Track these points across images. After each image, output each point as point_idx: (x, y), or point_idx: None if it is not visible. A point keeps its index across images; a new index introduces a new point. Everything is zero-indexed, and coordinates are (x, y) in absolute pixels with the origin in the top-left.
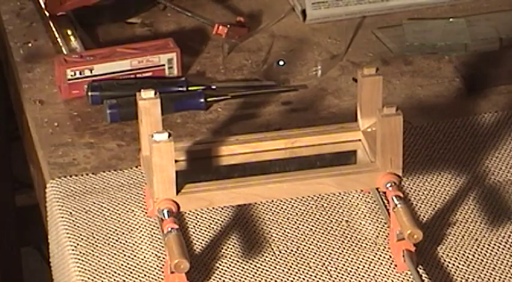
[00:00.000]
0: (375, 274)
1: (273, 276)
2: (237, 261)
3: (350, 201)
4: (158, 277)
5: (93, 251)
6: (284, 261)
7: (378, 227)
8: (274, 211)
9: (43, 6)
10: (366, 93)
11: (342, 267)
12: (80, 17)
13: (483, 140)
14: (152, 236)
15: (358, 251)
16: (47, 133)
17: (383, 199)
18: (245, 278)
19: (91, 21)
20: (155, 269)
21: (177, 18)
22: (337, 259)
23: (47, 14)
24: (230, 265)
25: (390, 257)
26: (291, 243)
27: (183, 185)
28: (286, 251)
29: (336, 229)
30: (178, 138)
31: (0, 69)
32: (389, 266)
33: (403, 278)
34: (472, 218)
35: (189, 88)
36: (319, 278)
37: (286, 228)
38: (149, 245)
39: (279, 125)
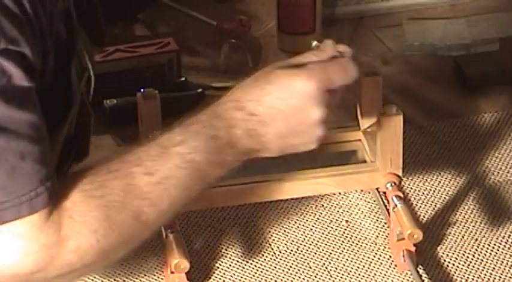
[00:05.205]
0: (375, 274)
1: (273, 276)
2: (237, 261)
3: (350, 201)
4: (158, 277)
5: None
6: (284, 261)
7: (378, 227)
8: (274, 211)
9: None
10: (366, 93)
11: (342, 267)
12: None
13: (483, 140)
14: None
15: (358, 251)
16: None
17: (383, 199)
18: (245, 278)
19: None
20: (155, 269)
21: (177, 18)
22: (337, 259)
23: None
24: (230, 265)
25: (390, 257)
26: (291, 243)
27: None
28: (286, 251)
29: (336, 229)
30: None
31: None
32: (389, 266)
33: (403, 278)
34: (472, 218)
35: (189, 88)
36: (319, 278)
37: (286, 228)
38: (149, 245)
39: None
